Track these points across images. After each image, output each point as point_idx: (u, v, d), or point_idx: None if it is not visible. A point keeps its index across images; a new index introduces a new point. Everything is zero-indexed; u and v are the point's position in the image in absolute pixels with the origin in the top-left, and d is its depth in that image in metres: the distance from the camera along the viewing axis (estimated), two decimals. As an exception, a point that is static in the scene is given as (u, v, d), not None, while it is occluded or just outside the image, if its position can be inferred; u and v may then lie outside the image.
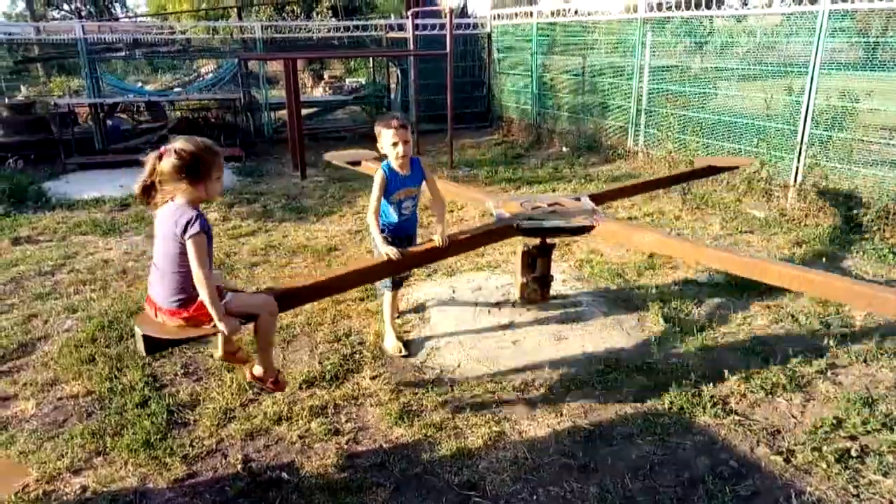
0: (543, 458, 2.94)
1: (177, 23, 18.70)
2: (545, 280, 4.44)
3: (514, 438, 3.10)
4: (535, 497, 2.72)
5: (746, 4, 8.60)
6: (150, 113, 12.39)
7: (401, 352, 3.90)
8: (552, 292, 4.60)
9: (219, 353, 3.07)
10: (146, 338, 2.52)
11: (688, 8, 7.87)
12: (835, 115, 6.27)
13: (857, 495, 2.66)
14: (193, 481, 2.84)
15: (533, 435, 3.12)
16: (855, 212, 5.86)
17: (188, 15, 25.09)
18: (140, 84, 15.72)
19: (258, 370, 2.89)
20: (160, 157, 2.49)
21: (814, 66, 6.29)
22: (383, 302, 4.00)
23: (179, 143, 2.52)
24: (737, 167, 6.25)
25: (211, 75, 13.12)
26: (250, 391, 3.48)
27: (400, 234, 3.61)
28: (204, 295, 2.46)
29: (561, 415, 3.27)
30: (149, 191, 2.53)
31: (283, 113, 11.27)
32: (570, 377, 3.59)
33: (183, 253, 2.45)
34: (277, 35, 11.90)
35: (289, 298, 2.93)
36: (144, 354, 2.84)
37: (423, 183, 3.74)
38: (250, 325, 2.73)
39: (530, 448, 3.02)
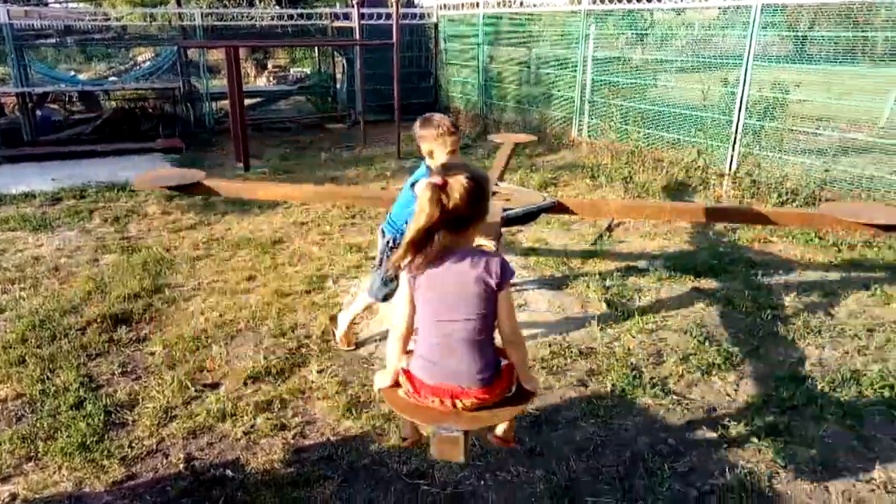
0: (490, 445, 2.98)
1: (111, 9, 17.96)
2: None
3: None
4: (482, 482, 2.76)
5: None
6: (83, 103, 11.88)
7: (350, 346, 3.87)
8: (498, 281, 4.66)
9: (500, 431, 2.41)
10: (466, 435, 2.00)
11: (629, 0, 8.03)
12: (767, 106, 6.52)
13: (785, 466, 2.80)
14: (133, 483, 2.76)
15: (480, 422, 3.15)
16: (785, 198, 6.13)
17: (124, 0, 24.11)
18: (73, 73, 15.02)
19: (503, 429, 2.40)
20: (443, 190, 1.89)
21: (748, 59, 6.52)
22: (359, 303, 3.79)
23: (456, 169, 1.95)
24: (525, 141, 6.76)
25: (148, 64, 12.65)
26: (192, 388, 3.41)
27: None
28: (522, 355, 2.08)
29: (507, 401, 3.31)
30: (426, 241, 1.93)
31: (226, 103, 10.98)
32: (516, 364, 3.64)
33: (492, 307, 1.97)
34: (219, 22, 11.56)
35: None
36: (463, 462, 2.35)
37: None
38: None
39: (477, 434, 3.05)
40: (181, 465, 2.86)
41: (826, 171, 5.95)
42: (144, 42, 12.40)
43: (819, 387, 3.36)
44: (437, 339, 1.99)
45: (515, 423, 2.58)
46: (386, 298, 3.62)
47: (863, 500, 2.61)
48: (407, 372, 2.09)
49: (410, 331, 2.12)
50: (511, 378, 2.09)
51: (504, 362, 2.08)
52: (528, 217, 4.11)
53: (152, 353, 3.81)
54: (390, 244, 3.42)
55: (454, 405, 2.00)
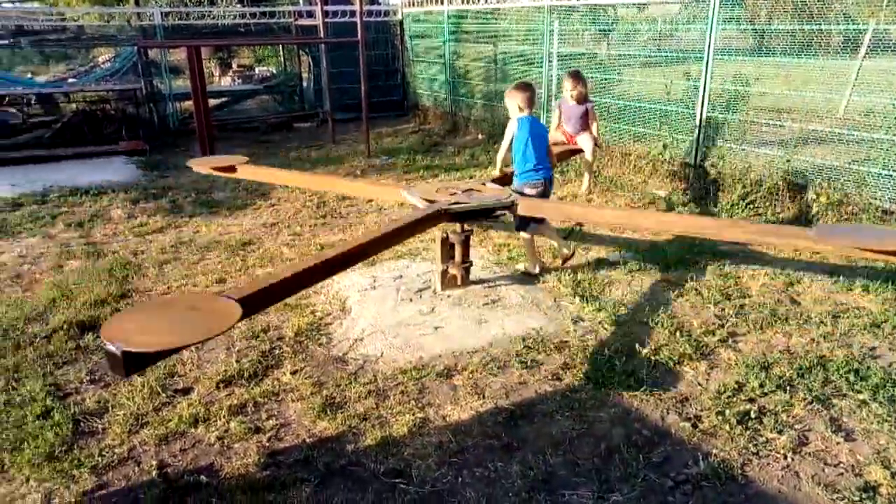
0: (467, 441, 2.99)
1: (67, 8, 17.47)
2: (465, 266, 4.51)
3: (438, 423, 3.13)
4: (459, 479, 2.76)
5: (647, -7, 8.95)
6: (41, 106, 11.55)
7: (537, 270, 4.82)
8: (472, 277, 4.67)
9: None
10: None
11: (592, -4, 8.10)
12: (728, 99, 6.64)
13: (757, 453, 2.86)
14: (104, 492, 2.70)
15: (457, 419, 3.16)
16: (748, 189, 6.26)
17: (80, 0, 23.49)
18: (29, 75, 14.61)
19: None
20: None
21: (708, 53, 6.63)
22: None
23: None
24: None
25: (108, 65, 12.36)
26: (163, 394, 3.35)
27: None
28: None
29: (483, 397, 3.33)
30: None
31: (190, 104, 10.79)
32: (491, 359, 3.66)
33: None
34: (179, 22, 11.35)
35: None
36: None
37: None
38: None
39: (454, 432, 3.05)
40: (154, 472, 2.80)
41: (787, 161, 6.08)
42: (102, 42, 12.12)
43: (787, 374, 3.44)
44: None
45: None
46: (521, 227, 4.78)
47: (832, 483, 2.68)
48: None
49: None
50: None
51: None
52: (484, 213, 4.13)
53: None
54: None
55: None
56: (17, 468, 2.81)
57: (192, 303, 2.65)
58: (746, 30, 6.67)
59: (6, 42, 10.46)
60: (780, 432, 2.98)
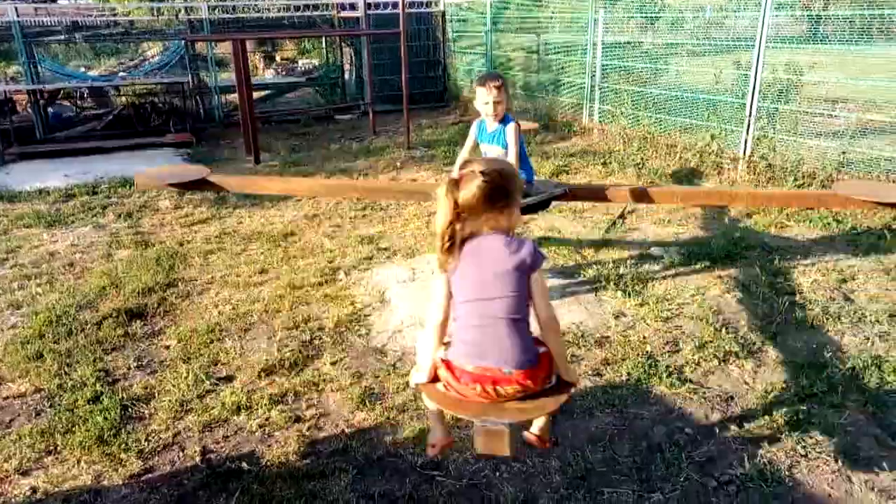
0: (505, 435, 2.96)
1: (118, 4, 17.96)
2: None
3: (476, 417, 3.11)
4: (497, 473, 2.74)
5: (695, -20, 8.70)
6: (94, 99, 11.92)
7: None
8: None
9: (536, 428, 2.40)
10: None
11: (638, -17, 7.92)
12: (781, 89, 6.42)
13: (805, 455, 2.77)
14: (150, 476, 2.78)
15: (495, 412, 3.14)
16: (801, 182, 6.04)
17: (131, -4, 24.11)
18: (83, 69, 15.10)
19: (539, 427, 2.40)
20: (456, 186, 2.00)
21: (760, 41, 6.41)
22: None
23: (475, 165, 2.04)
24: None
25: (157, 59, 12.68)
26: (207, 382, 3.42)
27: None
28: (560, 342, 2.14)
29: (522, 391, 3.29)
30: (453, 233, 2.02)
31: (234, 96, 10.98)
32: (530, 354, 3.62)
33: (525, 287, 2.03)
34: (226, 15, 11.54)
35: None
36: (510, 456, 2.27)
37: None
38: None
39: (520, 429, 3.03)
40: (197, 458, 2.87)
41: (843, 153, 5.85)
42: (152, 37, 12.42)
43: (839, 374, 3.31)
44: (478, 320, 2.01)
45: (551, 421, 2.54)
46: None
47: (886, 489, 2.57)
48: (446, 361, 2.09)
49: (447, 319, 2.12)
50: (550, 368, 2.10)
51: (542, 350, 2.08)
52: (540, 205, 4.08)
53: (167, 347, 3.83)
54: None
55: (497, 393, 2.00)
56: (70, 450, 2.91)
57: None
58: (800, 16, 6.42)
59: (62, 37, 10.80)
60: (830, 435, 2.88)
